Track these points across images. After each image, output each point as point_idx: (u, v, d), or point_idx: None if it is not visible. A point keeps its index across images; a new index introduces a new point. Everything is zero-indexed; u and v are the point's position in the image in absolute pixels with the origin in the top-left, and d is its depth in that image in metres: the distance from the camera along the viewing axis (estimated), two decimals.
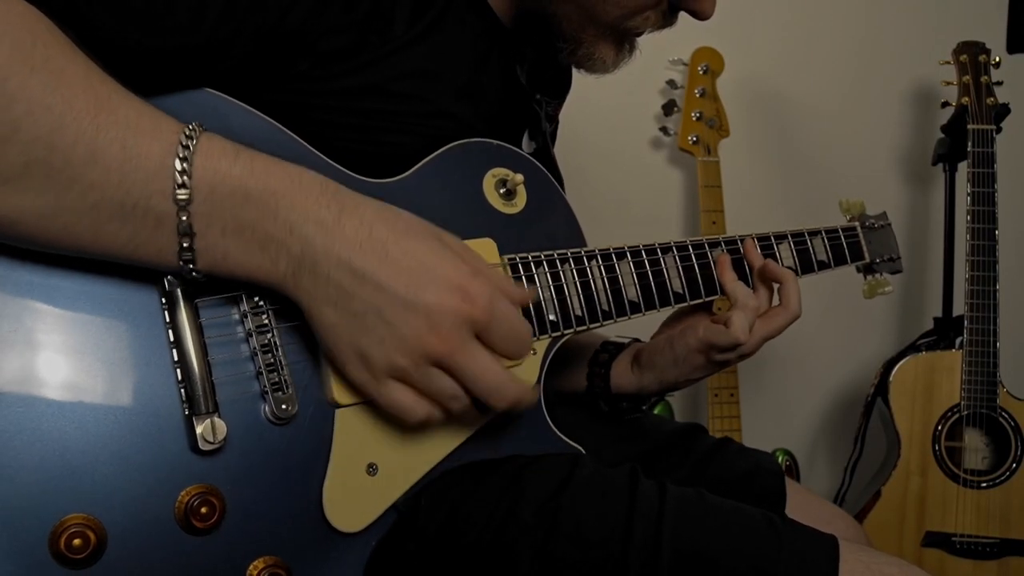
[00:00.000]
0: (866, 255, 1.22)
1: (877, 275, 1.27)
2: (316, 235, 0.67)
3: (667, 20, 0.99)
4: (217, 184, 0.65)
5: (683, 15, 1.00)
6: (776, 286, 1.06)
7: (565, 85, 1.20)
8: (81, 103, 0.61)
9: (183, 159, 0.63)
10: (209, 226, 0.65)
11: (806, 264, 1.13)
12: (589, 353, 1.15)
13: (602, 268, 0.94)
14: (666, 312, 1.00)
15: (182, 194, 0.63)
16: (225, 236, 0.66)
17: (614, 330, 1.01)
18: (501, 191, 0.90)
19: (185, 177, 0.63)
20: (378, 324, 0.69)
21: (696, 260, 1.02)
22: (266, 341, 0.72)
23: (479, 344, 0.72)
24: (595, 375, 1.12)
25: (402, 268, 0.69)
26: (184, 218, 0.64)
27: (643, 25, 0.97)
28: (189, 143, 0.64)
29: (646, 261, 0.98)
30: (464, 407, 0.73)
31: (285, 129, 0.78)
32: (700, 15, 0.97)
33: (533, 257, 0.89)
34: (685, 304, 1.03)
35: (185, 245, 0.65)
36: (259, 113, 0.77)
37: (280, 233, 0.67)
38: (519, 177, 0.90)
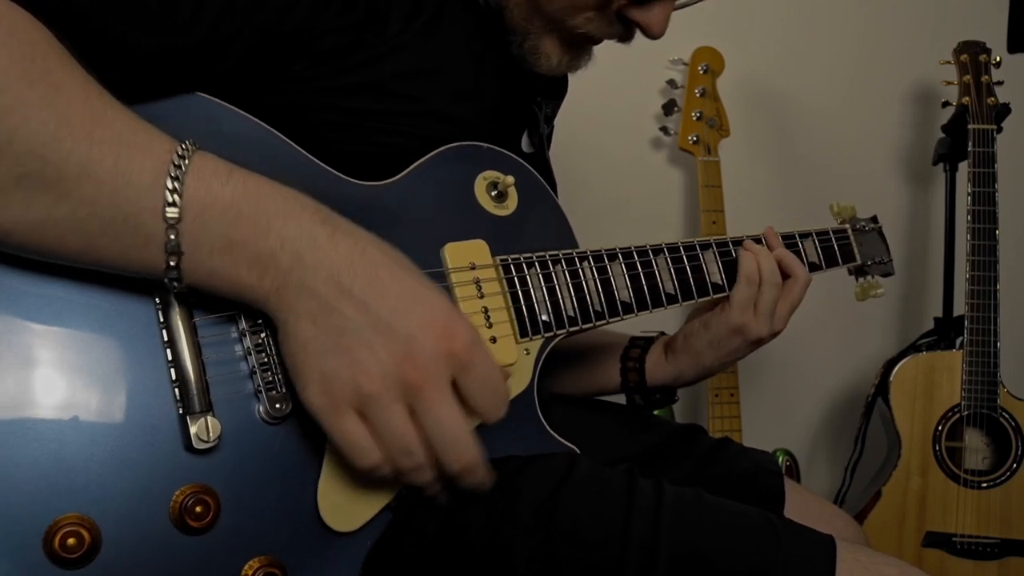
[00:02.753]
0: (857, 257, 1.23)
1: (869, 277, 1.28)
2: (308, 250, 0.66)
3: (614, 29, 0.97)
4: (209, 204, 0.64)
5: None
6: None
7: (562, 87, 1.20)
8: (77, 117, 0.61)
9: (175, 178, 0.63)
10: (197, 245, 0.64)
11: None
12: (617, 350, 1.18)
13: (594, 269, 0.94)
14: (659, 312, 1.00)
15: (172, 213, 0.62)
16: (213, 255, 0.65)
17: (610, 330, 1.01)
18: (492, 193, 0.90)
19: (176, 196, 0.62)
20: (355, 344, 0.66)
21: (688, 262, 1.02)
22: (260, 340, 0.72)
23: (451, 391, 0.68)
24: (629, 370, 1.15)
25: (390, 292, 0.67)
26: (172, 237, 0.63)
27: (585, 26, 0.95)
28: (182, 162, 0.63)
29: (638, 263, 0.98)
30: (413, 466, 0.69)
31: (276, 132, 0.78)
32: (648, 30, 0.96)
33: (525, 258, 0.89)
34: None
35: (172, 264, 0.64)
36: (250, 117, 0.77)
37: (271, 247, 0.65)
38: (510, 179, 0.90)
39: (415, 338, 0.66)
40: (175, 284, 0.65)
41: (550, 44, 0.97)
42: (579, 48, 1.00)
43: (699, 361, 1.09)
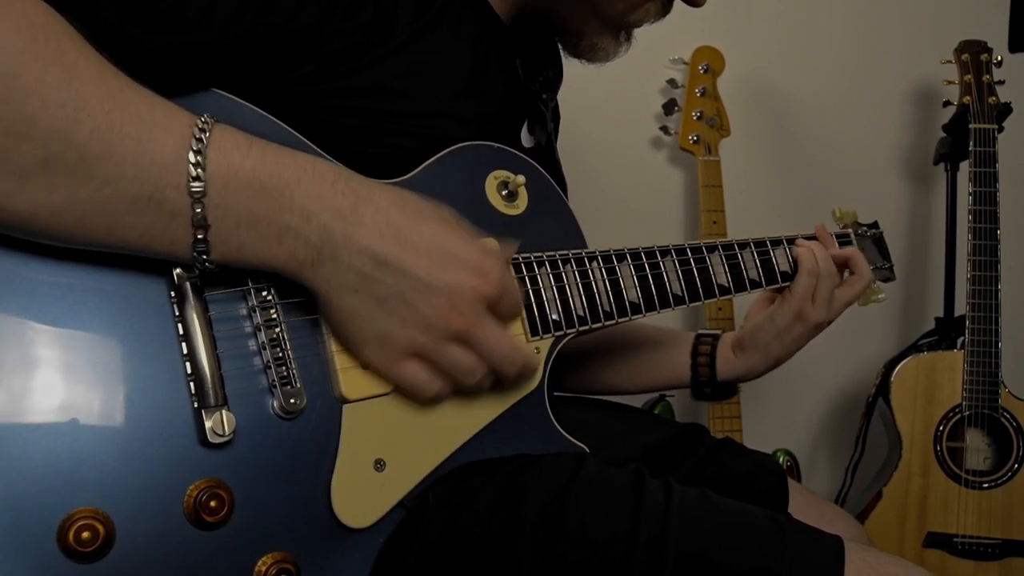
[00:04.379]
0: None
1: (871, 283, 1.28)
2: (335, 224, 0.69)
3: (665, 10, 1.04)
4: (232, 177, 0.65)
5: (682, 9, 1.02)
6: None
7: (558, 78, 1.21)
8: (95, 98, 0.61)
9: (197, 151, 0.64)
10: (224, 218, 0.65)
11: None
12: (684, 345, 1.24)
13: (603, 269, 0.95)
14: (666, 313, 1.00)
15: (196, 186, 0.63)
16: (240, 228, 0.66)
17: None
18: (503, 193, 0.90)
19: (199, 170, 0.63)
20: (400, 306, 0.71)
21: (695, 264, 1.03)
22: (274, 335, 0.72)
23: (491, 317, 0.75)
24: (700, 365, 1.22)
25: (421, 251, 0.71)
26: (199, 210, 0.64)
27: (645, 17, 1.02)
28: (203, 136, 0.64)
29: (646, 264, 0.99)
30: (477, 381, 0.76)
31: (292, 131, 0.78)
32: (695, 2, 1.02)
33: (535, 257, 0.89)
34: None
35: (199, 237, 0.65)
36: (266, 114, 0.77)
37: (297, 222, 0.67)
38: (520, 179, 0.90)
39: (455, 290, 0.72)
40: (204, 258, 0.66)
41: (607, 40, 1.04)
42: (628, 34, 1.07)
43: (767, 352, 1.16)
